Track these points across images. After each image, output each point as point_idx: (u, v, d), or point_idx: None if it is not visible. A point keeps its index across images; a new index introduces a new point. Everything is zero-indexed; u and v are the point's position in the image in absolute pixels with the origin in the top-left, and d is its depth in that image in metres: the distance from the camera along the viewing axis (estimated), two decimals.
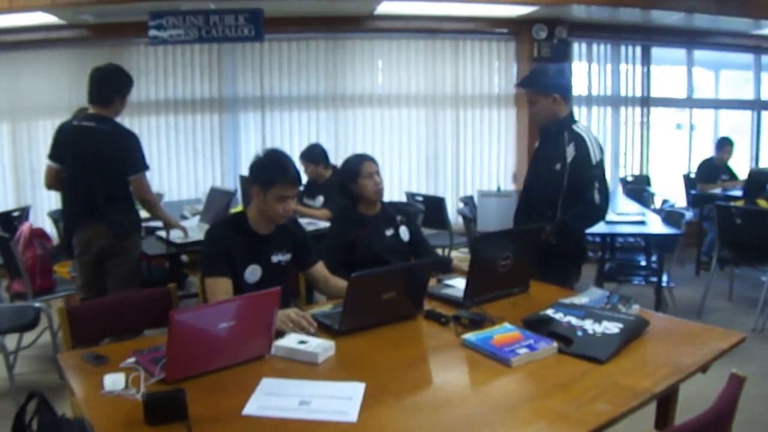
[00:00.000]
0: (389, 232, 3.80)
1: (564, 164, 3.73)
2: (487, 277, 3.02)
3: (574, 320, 2.60)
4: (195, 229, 4.78)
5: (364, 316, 2.70)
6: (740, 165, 8.46)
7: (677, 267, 7.19)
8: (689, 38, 8.82)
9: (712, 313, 6.07)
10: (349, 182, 3.74)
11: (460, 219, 6.92)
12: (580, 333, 2.49)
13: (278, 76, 7.89)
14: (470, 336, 2.50)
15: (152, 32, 6.74)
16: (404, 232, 3.86)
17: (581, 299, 2.95)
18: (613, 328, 2.50)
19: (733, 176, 7.95)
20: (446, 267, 3.72)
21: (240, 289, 3.01)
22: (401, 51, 8.11)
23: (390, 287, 2.72)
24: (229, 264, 3.01)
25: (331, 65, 7.95)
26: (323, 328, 2.67)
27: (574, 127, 3.81)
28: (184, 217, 5.57)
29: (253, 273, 3.12)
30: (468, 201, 6.85)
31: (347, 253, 3.63)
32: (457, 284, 3.21)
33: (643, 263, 6.14)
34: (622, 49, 8.65)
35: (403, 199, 7.30)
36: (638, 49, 8.71)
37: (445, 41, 8.17)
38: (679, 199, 8.28)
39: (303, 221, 4.09)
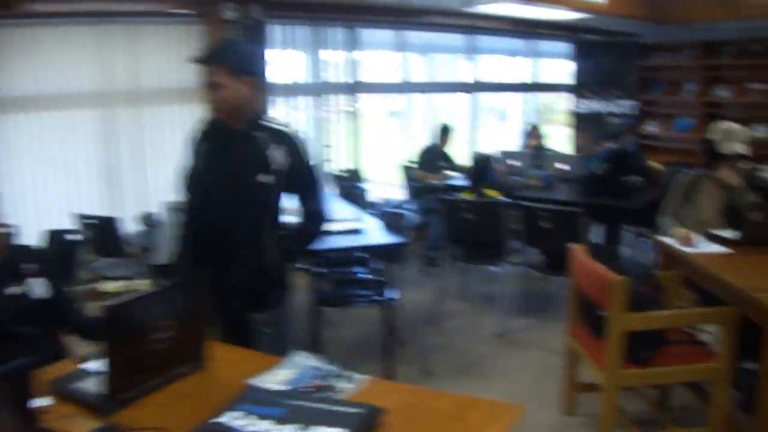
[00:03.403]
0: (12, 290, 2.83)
1: (272, 174, 3.05)
2: (137, 360, 2.14)
3: (265, 427, 1.84)
4: None
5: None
6: (460, 150, 8.47)
7: (401, 264, 6.88)
8: (399, 18, 8.49)
9: (450, 319, 5.97)
10: None
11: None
12: None
13: None
14: None
15: None
16: (38, 285, 2.90)
17: (281, 374, 2.27)
18: None
19: (452, 164, 7.73)
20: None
21: None
22: (64, 40, 6.94)
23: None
24: None
25: None
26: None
27: (275, 124, 3.16)
28: None
29: None
30: (150, 220, 5.90)
31: None
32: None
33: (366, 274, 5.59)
34: (326, 32, 8.09)
35: (70, 224, 6.13)
36: (344, 32, 8.22)
37: (118, 26, 7.11)
38: (398, 191, 8.01)
39: None
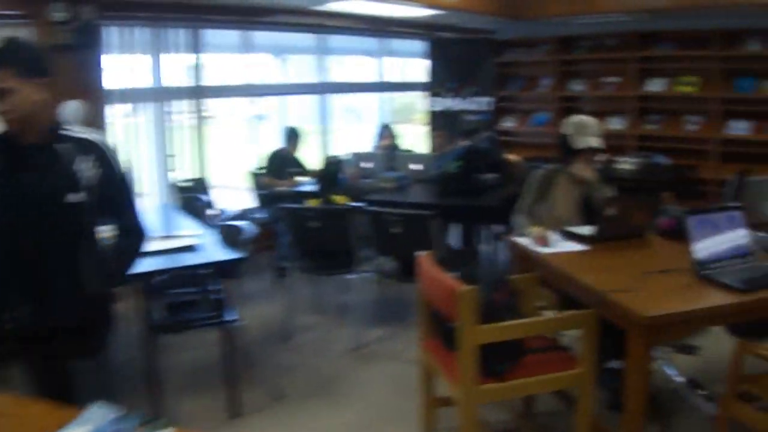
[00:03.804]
0: None
1: (83, 191, 2.61)
2: None
3: None
4: None
5: None
6: (313, 154, 8.23)
7: (252, 277, 6.76)
8: (245, 18, 8.14)
9: (303, 335, 5.72)
10: None
11: None
12: None
13: None
14: None
15: None
16: None
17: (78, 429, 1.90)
18: None
19: (303, 169, 7.42)
20: None
21: None
22: None
23: None
24: None
25: None
26: None
27: (78, 133, 2.71)
28: None
29: None
30: None
31: None
32: None
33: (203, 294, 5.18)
34: (168, 34, 7.61)
35: None
36: (186, 34, 7.75)
37: None
38: (248, 199, 7.65)
39: None
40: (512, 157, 7.37)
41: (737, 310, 3.08)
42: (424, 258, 3.63)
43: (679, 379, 4.49)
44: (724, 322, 3.26)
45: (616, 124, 9.89)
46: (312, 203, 5.78)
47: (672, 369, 4.58)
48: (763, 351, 3.12)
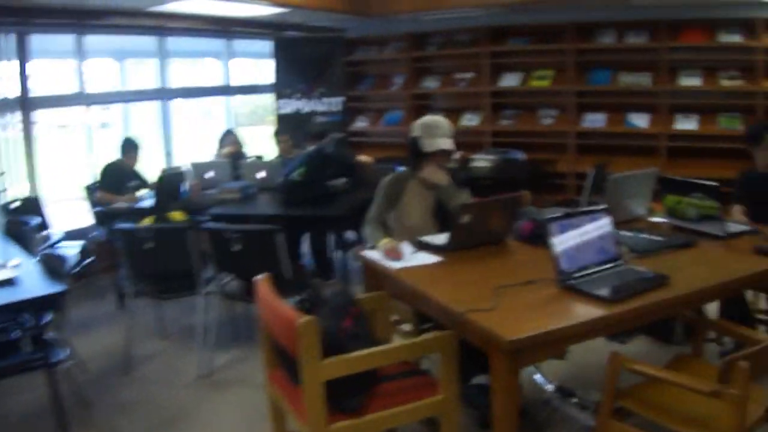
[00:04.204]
0: None
1: None
2: None
3: None
4: None
5: None
6: (157, 165, 7.63)
7: (94, 301, 6.36)
8: (77, 22, 7.51)
9: (147, 364, 5.23)
10: None
11: None
12: None
13: None
14: None
15: None
16: None
17: None
18: None
19: (144, 182, 6.90)
20: None
21: None
22: None
23: None
24: None
25: None
26: None
27: None
28: None
29: None
30: None
31: None
32: None
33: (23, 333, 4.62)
34: None
35: None
36: (12, 39, 7.06)
37: None
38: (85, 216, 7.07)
39: None
40: (364, 158, 7.04)
41: (607, 324, 2.85)
42: (261, 282, 3.23)
43: (550, 387, 4.27)
44: (594, 336, 3.01)
45: (470, 120, 9.82)
46: (147, 221, 5.25)
47: (541, 377, 4.36)
48: (637, 366, 2.90)
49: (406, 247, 3.83)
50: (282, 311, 2.90)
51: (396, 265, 3.61)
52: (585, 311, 2.84)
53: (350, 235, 6.60)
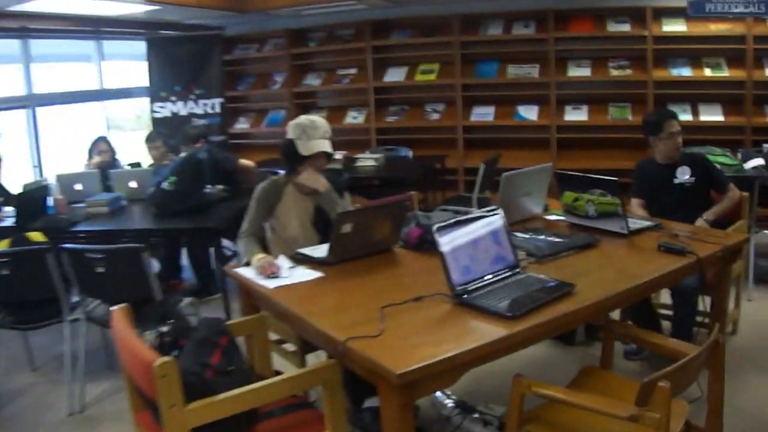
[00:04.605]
0: None
1: None
2: None
3: None
4: None
5: None
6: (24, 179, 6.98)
7: None
8: None
9: (17, 400, 4.63)
10: None
11: None
12: None
13: None
14: None
15: None
16: None
17: None
18: None
19: (8, 198, 6.25)
20: None
21: None
22: None
23: None
24: None
25: None
26: None
27: None
28: None
29: None
30: None
31: None
32: None
33: None
34: None
35: None
36: None
37: None
38: None
39: None
40: (245, 162, 6.56)
41: (509, 344, 2.50)
42: (117, 314, 2.75)
43: (449, 402, 3.91)
44: (494, 358, 2.64)
45: (355, 118, 9.58)
46: (3, 245, 4.65)
47: (439, 391, 3.99)
48: (545, 390, 2.56)
49: (283, 262, 3.41)
50: (137, 351, 2.44)
51: (271, 284, 3.18)
52: (483, 332, 2.48)
53: (229, 244, 6.12)
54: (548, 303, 2.67)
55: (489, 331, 2.47)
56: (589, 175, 3.90)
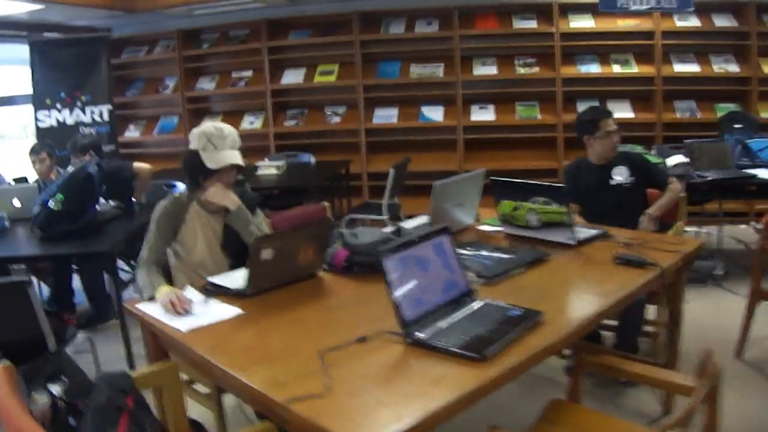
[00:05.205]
0: None
1: None
2: None
3: None
4: None
5: None
6: None
7: None
8: None
9: None
10: None
11: None
12: None
13: None
14: None
15: None
16: None
17: None
18: None
19: None
20: None
21: None
22: None
23: None
24: None
25: None
26: None
27: None
28: None
29: None
30: None
31: None
32: None
33: None
34: None
35: None
36: None
37: None
38: None
39: None
40: (140, 165, 5.91)
41: (482, 392, 2.00)
42: None
43: None
44: (462, 410, 2.16)
45: (252, 123, 9.10)
46: None
47: None
48: None
49: (194, 295, 2.87)
50: (22, 427, 1.89)
51: (183, 324, 2.59)
52: (451, 380, 2.00)
53: (123, 267, 5.49)
54: (519, 337, 2.23)
55: (459, 380, 1.99)
56: (530, 181, 3.54)
